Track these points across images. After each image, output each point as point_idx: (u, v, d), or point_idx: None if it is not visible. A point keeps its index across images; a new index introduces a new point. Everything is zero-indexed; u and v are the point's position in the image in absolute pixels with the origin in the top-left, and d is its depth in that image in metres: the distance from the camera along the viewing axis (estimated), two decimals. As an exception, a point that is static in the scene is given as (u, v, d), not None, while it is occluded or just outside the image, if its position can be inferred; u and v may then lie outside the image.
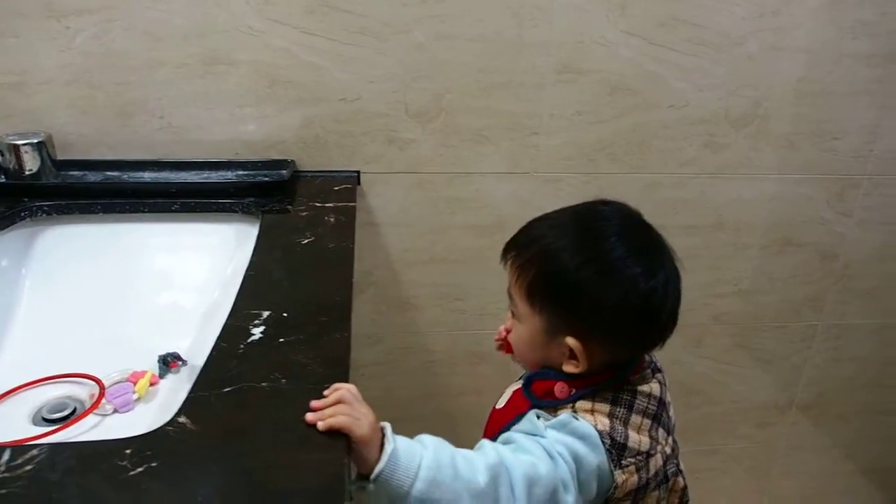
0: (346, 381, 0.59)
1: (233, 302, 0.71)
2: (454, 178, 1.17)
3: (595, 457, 0.64)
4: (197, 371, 0.60)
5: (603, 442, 0.64)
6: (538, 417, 0.69)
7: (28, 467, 0.47)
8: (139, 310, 0.92)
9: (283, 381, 0.59)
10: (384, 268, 1.22)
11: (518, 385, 0.77)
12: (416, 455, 0.58)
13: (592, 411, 0.67)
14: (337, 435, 0.53)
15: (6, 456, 0.48)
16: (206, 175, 1.04)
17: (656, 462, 0.68)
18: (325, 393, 0.56)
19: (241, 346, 0.64)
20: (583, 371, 0.69)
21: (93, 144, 1.05)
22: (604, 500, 0.67)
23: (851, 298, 1.41)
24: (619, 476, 0.64)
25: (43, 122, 1.02)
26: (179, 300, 0.92)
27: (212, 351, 0.63)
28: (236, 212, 0.99)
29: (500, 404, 0.79)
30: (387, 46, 1.05)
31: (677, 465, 0.72)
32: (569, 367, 0.69)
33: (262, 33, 1.02)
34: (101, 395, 0.75)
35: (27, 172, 0.97)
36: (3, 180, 0.97)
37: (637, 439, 0.67)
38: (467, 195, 1.18)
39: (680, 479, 0.72)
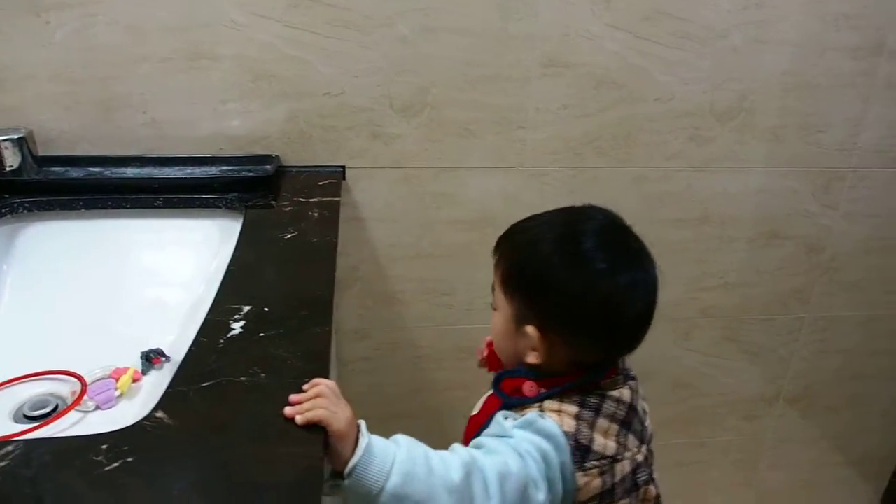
0: (326, 375, 0.59)
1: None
2: (440, 173, 1.16)
3: (559, 456, 0.64)
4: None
5: (568, 443, 0.65)
6: (505, 418, 0.69)
7: (2, 463, 0.47)
8: (122, 306, 0.91)
9: (263, 375, 0.58)
10: (370, 263, 1.22)
11: (492, 391, 0.78)
12: (391, 451, 0.58)
13: (559, 411, 0.67)
14: (314, 429, 0.53)
15: (-19, 452, 0.48)
16: (189, 171, 1.03)
17: (623, 468, 0.68)
18: (304, 388, 0.56)
19: (221, 340, 0.63)
20: (542, 363, 0.70)
21: (75, 140, 1.04)
22: (570, 502, 0.67)
23: (838, 291, 1.42)
24: (581, 478, 0.65)
25: (24, 118, 1.01)
26: (163, 296, 0.92)
27: (191, 346, 0.62)
28: (220, 207, 0.98)
29: (475, 411, 0.80)
30: (370, 40, 1.05)
31: (650, 474, 0.72)
32: (530, 358, 0.70)
33: (245, 27, 1.01)
34: (83, 391, 0.75)
35: (8, 168, 0.96)
36: (-16, 177, 0.96)
37: (603, 443, 0.67)
38: (453, 190, 1.18)
39: (652, 487, 0.72)
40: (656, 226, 1.26)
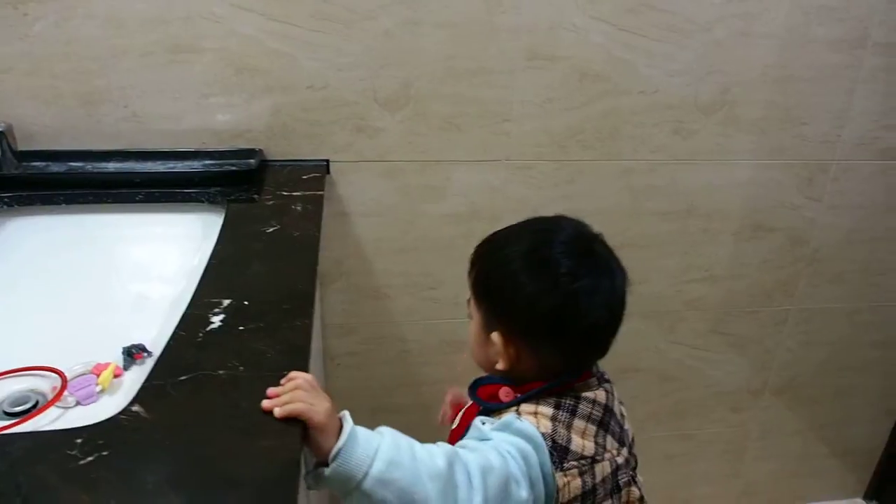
0: (305, 369, 0.59)
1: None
2: (425, 167, 1.16)
3: (538, 457, 0.64)
4: (158, 361, 0.60)
5: (545, 443, 0.65)
6: (483, 423, 0.69)
7: (-25, 459, 0.47)
8: (103, 301, 0.90)
9: (241, 368, 0.58)
10: (355, 257, 1.22)
11: (470, 403, 0.79)
12: (375, 438, 0.58)
13: (535, 413, 0.68)
14: (292, 422, 0.53)
15: (-46, 448, 0.48)
16: (171, 165, 1.03)
17: (603, 469, 0.68)
18: (282, 382, 0.56)
19: (200, 334, 0.63)
20: (510, 369, 0.71)
21: (56, 135, 1.03)
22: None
23: (822, 282, 1.42)
24: (561, 478, 0.65)
25: (3, 113, 1.00)
26: (145, 291, 0.91)
27: (169, 340, 0.62)
28: (202, 202, 0.97)
29: (454, 425, 0.81)
30: (353, 33, 1.04)
31: (632, 476, 0.72)
32: (499, 365, 0.72)
33: (226, 20, 1.00)
34: (64, 387, 0.74)
35: (-13, 163, 0.95)
36: (-37, 172, 0.95)
37: (580, 443, 0.67)
38: (438, 183, 1.18)
39: (635, 489, 0.72)
40: (641, 219, 1.26)
